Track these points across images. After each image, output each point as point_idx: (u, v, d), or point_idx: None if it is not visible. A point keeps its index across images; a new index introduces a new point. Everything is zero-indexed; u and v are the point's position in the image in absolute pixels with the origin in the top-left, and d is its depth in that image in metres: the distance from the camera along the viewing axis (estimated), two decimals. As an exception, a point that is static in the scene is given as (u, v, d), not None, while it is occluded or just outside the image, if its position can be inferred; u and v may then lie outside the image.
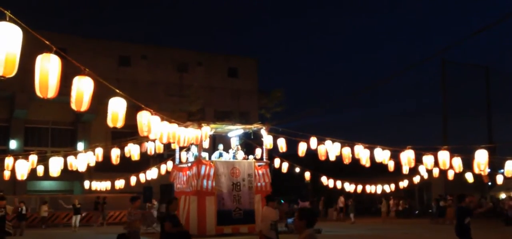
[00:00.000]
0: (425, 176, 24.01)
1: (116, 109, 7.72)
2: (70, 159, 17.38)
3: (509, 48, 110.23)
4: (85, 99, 6.29)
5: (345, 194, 29.55)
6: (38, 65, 5.34)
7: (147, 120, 9.05)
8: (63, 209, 27.18)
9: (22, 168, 14.93)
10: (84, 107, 6.32)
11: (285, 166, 22.37)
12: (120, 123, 7.70)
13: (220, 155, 20.28)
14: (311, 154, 18.26)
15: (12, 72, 4.58)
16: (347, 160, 17.06)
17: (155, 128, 9.41)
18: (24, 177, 15.08)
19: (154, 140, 16.09)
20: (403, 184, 26.81)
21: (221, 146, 20.84)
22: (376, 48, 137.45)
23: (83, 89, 6.28)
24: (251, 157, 20.77)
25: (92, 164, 17.33)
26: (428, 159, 15.00)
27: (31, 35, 5.16)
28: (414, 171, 21.18)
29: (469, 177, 21.14)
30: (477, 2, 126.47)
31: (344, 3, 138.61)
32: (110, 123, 7.70)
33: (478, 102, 43.50)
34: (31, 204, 26.91)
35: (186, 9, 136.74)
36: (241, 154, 20.51)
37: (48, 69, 5.32)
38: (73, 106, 6.30)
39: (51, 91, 5.37)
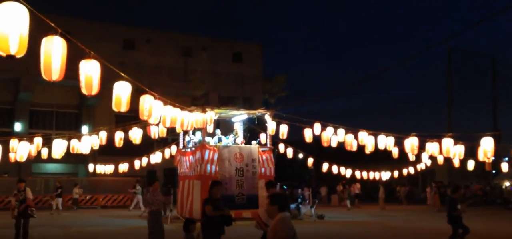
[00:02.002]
0: (429, 163, 23.98)
1: (120, 93, 7.70)
2: (74, 142, 17.45)
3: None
4: (94, 82, 6.23)
5: (346, 181, 29.55)
6: (42, 47, 5.32)
7: (149, 104, 9.02)
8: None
9: (27, 150, 15.01)
10: (94, 90, 6.26)
11: (289, 152, 22.37)
12: (124, 107, 7.68)
13: (219, 140, 20.32)
14: (315, 140, 18.24)
15: (23, 52, 4.55)
16: (350, 146, 17.04)
17: (157, 112, 9.37)
18: (24, 159, 15.15)
19: (157, 124, 16.12)
20: (407, 171, 26.84)
21: (218, 131, 20.84)
22: (383, 35, 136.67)
23: (91, 72, 6.22)
24: (254, 142, 20.80)
25: (96, 147, 17.38)
26: (432, 147, 14.98)
27: (36, 17, 5.13)
28: (418, 158, 21.18)
29: (471, 165, 21.10)
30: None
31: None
32: (114, 107, 7.69)
33: (484, 90, 43.35)
34: (36, 187, 27.09)
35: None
36: (240, 138, 20.55)
37: (51, 51, 5.27)
38: (84, 90, 6.25)
39: (55, 74, 5.31)
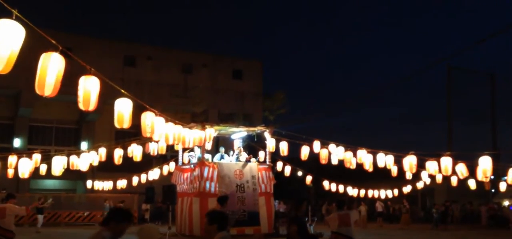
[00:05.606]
0: (428, 182, 23.95)
1: (122, 109, 7.75)
2: (74, 158, 17.41)
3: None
4: (92, 98, 6.30)
5: (349, 199, 29.38)
6: (40, 63, 5.34)
7: (150, 121, 9.07)
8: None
9: (26, 166, 14.97)
10: (92, 106, 6.33)
11: (287, 170, 22.34)
12: (126, 124, 7.73)
13: (222, 157, 20.25)
14: (314, 157, 18.24)
15: (9, 69, 4.55)
16: (350, 164, 17.03)
17: (159, 129, 9.43)
18: (25, 176, 15.13)
19: (157, 141, 16.12)
20: (406, 189, 26.78)
21: (222, 149, 20.80)
22: (383, 54, 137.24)
23: (90, 88, 6.30)
24: (253, 160, 20.76)
25: (95, 163, 17.34)
26: (431, 165, 14.97)
27: (36, 34, 5.17)
28: (417, 176, 21.15)
29: (472, 184, 21.07)
30: (486, 7, 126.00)
31: (352, 8, 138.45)
32: (116, 124, 7.73)
33: (483, 108, 43.41)
34: (33, 203, 26.87)
35: (192, 11, 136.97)
36: (244, 156, 20.50)
37: (47, 67, 5.29)
38: (81, 105, 6.33)
39: (49, 90, 5.31)
